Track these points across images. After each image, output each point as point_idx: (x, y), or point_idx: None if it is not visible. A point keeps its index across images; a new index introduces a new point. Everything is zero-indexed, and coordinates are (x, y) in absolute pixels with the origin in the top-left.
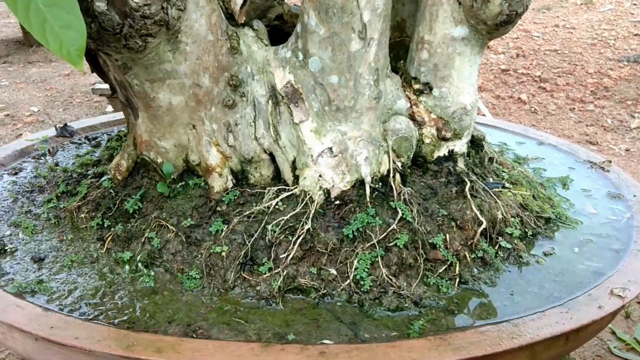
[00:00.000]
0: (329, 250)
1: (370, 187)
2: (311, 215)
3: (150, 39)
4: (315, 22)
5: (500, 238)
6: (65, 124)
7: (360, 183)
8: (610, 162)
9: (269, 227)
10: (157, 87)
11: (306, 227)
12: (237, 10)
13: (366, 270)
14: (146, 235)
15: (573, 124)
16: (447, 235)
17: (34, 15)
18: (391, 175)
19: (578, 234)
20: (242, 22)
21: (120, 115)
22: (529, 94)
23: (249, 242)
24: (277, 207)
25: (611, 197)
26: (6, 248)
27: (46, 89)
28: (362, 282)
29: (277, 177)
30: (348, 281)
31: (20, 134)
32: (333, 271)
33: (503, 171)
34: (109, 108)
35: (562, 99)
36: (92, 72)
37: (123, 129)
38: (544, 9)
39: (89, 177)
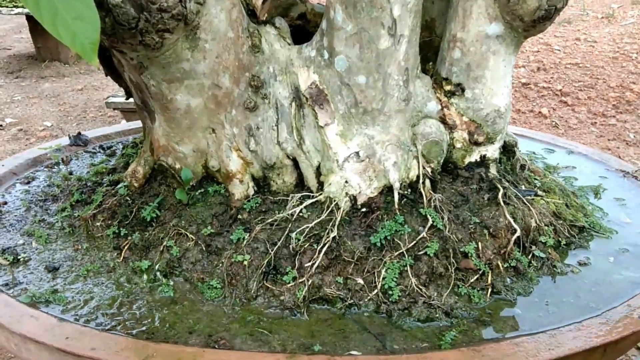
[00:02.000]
0: (355, 259)
1: (398, 193)
2: (337, 223)
3: (167, 34)
4: (342, 17)
5: (533, 247)
6: (79, 133)
7: (388, 189)
8: None
9: (293, 235)
10: (175, 88)
11: (332, 235)
12: (259, 5)
13: (395, 279)
14: (164, 243)
15: (595, 139)
16: (479, 243)
17: (44, 6)
18: (421, 181)
19: (613, 244)
20: (264, 19)
21: (135, 124)
22: (550, 108)
23: (272, 250)
24: (301, 214)
25: None
26: (19, 257)
27: (59, 104)
28: (390, 292)
29: (301, 183)
30: (376, 291)
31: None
32: (360, 281)
33: (535, 179)
34: (123, 122)
35: (584, 113)
36: (106, 75)
37: (138, 136)
38: (564, 22)
39: (104, 185)
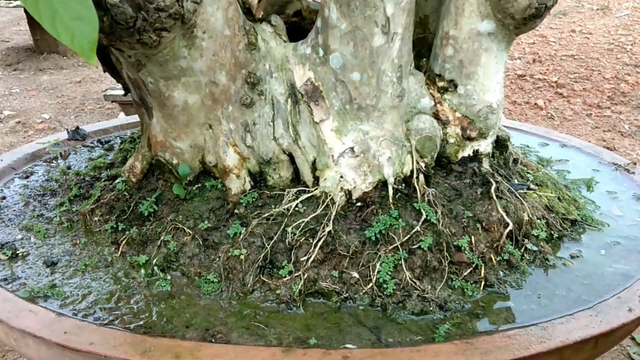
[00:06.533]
0: (350, 253)
1: (393, 188)
2: (332, 217)
3: (164, 33)
4: (337, 16)
5: (526, 240)
6: (77, 127)
7: (382, 184)
8: (635, 164)
9: (289, 229)
10: (172, 85)
11: (327, 229)
12: (255, 4)
13: (389, 273)
14: (162, 238)
15: (590, 130)
16: (473, 237)
17: (43, 6)
18: (414, 176)
19: (605, 236)
20: (260, 17)
21: (132, 118)
22: (546, 99)
23: (268, 245)
24: (297, 209)
25: (637, 199)
26: (18, 252)
27: (57, 96)
28: (385, 286)
29: (297, 178)
30: (370, 284)
31: (32, 142)
32: (355, 274)
33: (528, 172)
34: (121, 115)
35: (579, 105)
36: (105, 72)
37: (136, 131)
38: (560, 14)
39: (102, 180)
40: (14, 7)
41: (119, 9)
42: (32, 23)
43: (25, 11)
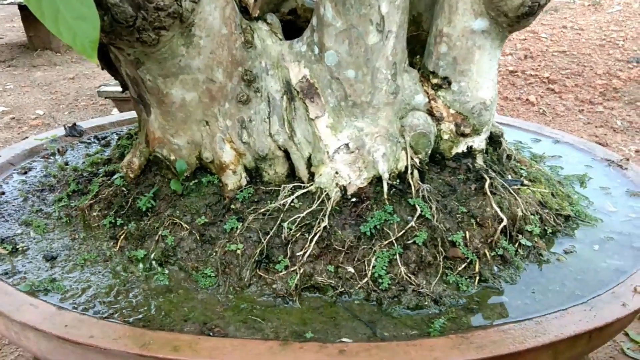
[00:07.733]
0: (346, 248)
1: (387, 184)
2: (327, 213)
3: (163, 32)
4: (332, 14)
5: (520, 236)
6: (74, 123)
7: (377, 180)
8: (627, 160)
9: (285, 224)
10: (170, 83)
11: (322, 224)
12: (251, 2)
13: (384, 268)
14: (160, 233)
15: (582, 126)
16: (467, 232)
17: (46, 6)
18: (409, 171)
19: (598, 232)
20: (256, 15)
21: (128, 115)
22: (537, 95)
23: (264, 239)
24: (292, 204)
25: (630, 195)
26: (18, 247)
27: (51, 93)
28: (380, 280)
29: (292, 174)
30: (366, 279)
31: (26, 137)
32: (350, 269)
33: (521, 168)
34: (115, 111)
35: (571, 100)
36: (103, 69)
37: (132, 127)
38: (551, 10)
39: (100, 175)
40: (7, 4)
41: (120, 8)
42: (26, 20)
43: (20, 8)
